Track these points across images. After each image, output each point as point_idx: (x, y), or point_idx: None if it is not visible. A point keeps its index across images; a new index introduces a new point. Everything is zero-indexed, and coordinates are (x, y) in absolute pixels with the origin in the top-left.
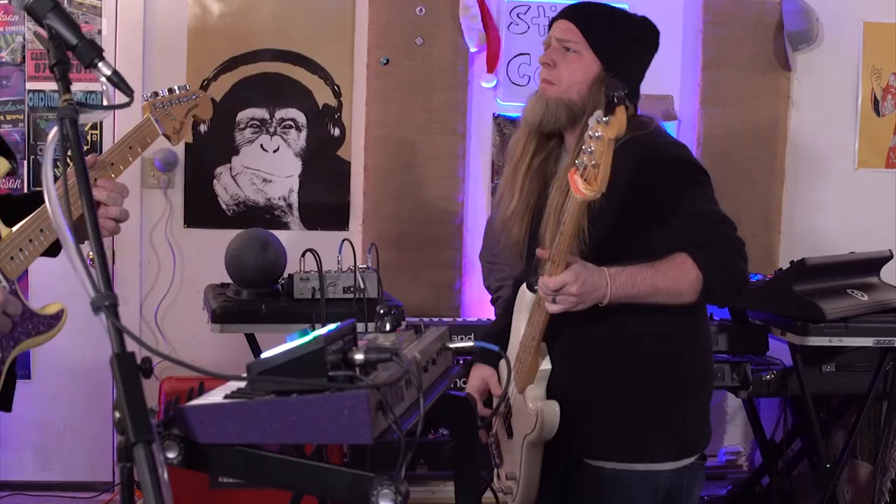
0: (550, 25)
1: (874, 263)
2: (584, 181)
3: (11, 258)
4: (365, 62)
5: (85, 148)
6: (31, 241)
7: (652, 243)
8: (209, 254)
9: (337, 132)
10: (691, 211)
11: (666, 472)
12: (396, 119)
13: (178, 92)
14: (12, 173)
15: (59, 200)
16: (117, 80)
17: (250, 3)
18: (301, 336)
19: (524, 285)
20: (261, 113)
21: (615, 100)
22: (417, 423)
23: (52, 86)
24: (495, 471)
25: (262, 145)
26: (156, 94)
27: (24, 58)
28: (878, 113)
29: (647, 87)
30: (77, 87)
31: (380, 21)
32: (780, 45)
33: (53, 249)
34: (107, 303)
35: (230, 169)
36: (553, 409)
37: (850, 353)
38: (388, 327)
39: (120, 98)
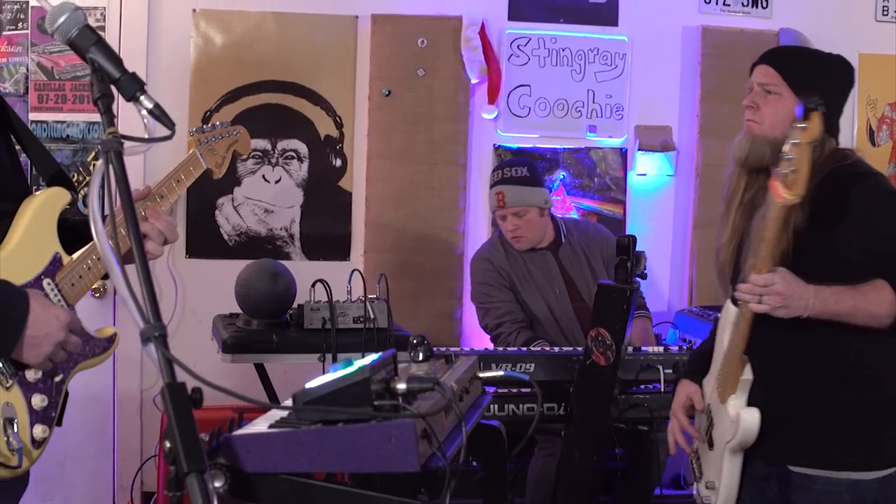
0: (751, 71)
1: None
2: (784, 187)
3: (72, 284)
4: (367, 93)
5: (87, 178)
6: (88, 267)
7: (851, 268)
8: (211, 284)
9: (339, 163)
10: (889, 239)
11: (872, 482)
12: (398, 150)
13: (220, 128)
14: (72, 204)
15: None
16: (159, 114)
17: (253, 34)
18: (345, 366)
19: (728, 301)
20: (263, 144)
21: (811, 107)
22: (460, 451)
23: (54, 116)
24: (695, 485)
25: (264, 176)
26: (201, 129)
27: (27, 89)
28: (873, 143)
29: (646, 118)
30: (79, 117)
31: (382, 53)
32: None
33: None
34: (156, 333)
35: (232, 199)
36: (753, 416)
37: None
38: (420, 357)
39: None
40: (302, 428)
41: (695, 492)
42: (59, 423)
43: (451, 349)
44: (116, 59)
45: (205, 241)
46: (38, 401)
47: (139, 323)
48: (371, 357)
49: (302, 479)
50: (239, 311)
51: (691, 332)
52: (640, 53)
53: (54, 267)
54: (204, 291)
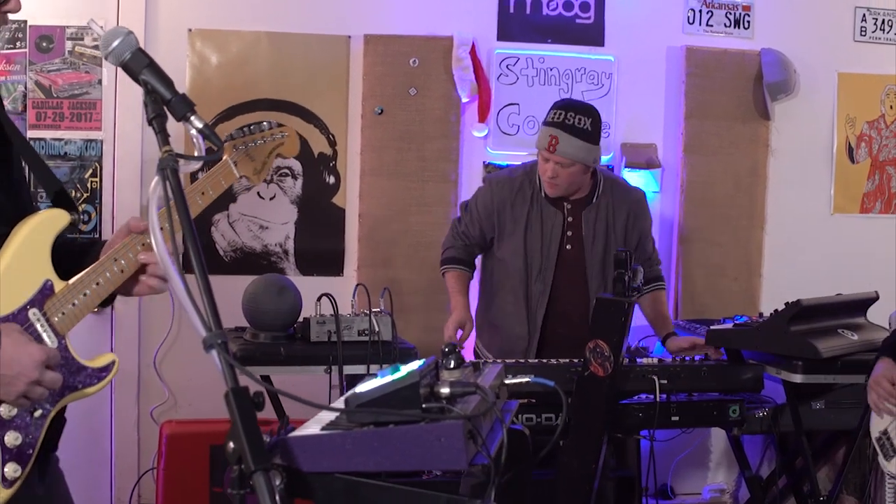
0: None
1: (862, 304)
2: None
3: (63, 313)
4: (360, 112)
5: (84, 195)
6: (85, 295)
7: None
8: None
9: (332, 180)
10: None
11: None
12: (390, 167)
13: (260, 131)
14: (73, 224)
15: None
16: (208, 133)
17: (247, 53)
18: (393, 372)
19: None
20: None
21: None
22: (501, 450)
23: (52, 133)
24: (884, 462)
25: (258, 193)
26: (240, 132)
27: (25, 106)
28: (852, 160)
29: (632, 136)
30: (76, 135)
31: (374, 72)
32: (760, 96)
33: (105, 301)
34: (219, 341)
35: (227, 216)
36: None
37: (838, 391)
38: (452, 364)
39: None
40: (355, 430)
41: (889, 468)
42: (55, 449)
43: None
44: (168, 81)
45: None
46: (12, 438)
47: (201, 331)
48: (417, 363)
49: (355, 477)
50: (242, 324)
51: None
52: (626, 73)
53: (43, 295)
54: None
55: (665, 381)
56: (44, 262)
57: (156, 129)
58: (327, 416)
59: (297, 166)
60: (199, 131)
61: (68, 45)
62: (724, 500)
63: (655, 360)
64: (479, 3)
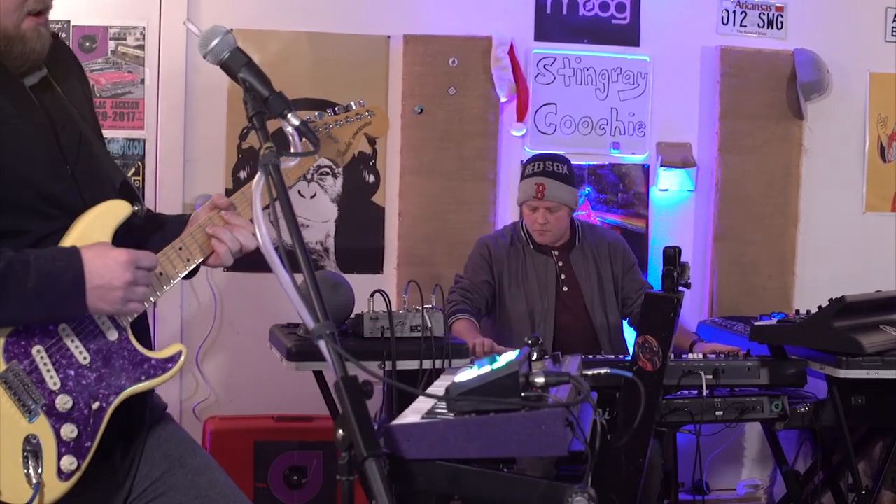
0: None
1: None
2: None
3: None
4: (399, 111)
5: None
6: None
7: None
8: (248, 296)
9: (372, 179)
10: None
11: None
12: (430, 166)
13: (349, 111)
14: (135, 215)
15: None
16: (305, 130)
17: (288, 53)
18: (490, 362)
19: None
20: (293, 159)
21: None
22: (595, 437)
23: None
24: None
25: (299, 191)
26: (325, 112)
27: None
28: (884, 159)
29: (667, 135)
30: (119, 134)
31: (414, 72)
32: (793, 96)
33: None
34: (327, 331)
35: (268, 214)
36: None
37: (878, 385)
38: (535, 356)
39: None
40: (457, 417)
41: None
42: (145, 425)
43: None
44: (265, 79)
45: (243, 254)
46: (68, 431)
47: (309, 323)
48: (513, 353)
49: (456, 464)
50: (294, 321)
51: (713, 341)
52: (662, 73)
53: None
54: (241, 303)
55: (711, 377)
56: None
57: (256, 125)
58: (425, 406)
59: None
60: (296, 128)
61: (111, 45)
62: (758, 496)
63: (700, 356)
64: (517, 4)
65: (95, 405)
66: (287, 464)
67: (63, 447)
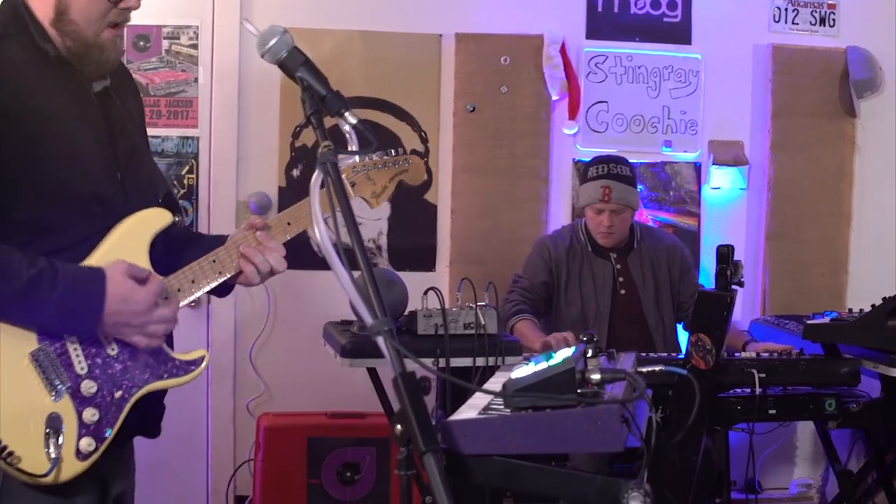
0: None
1: None
2: None
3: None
4: (451, 109)
5: (181, 192)
6: (178, 290)
7: None
8: (302, 293)
9: (424, 177)
10: None
11: None
12: (482, 164)
13: (388, 157)
14: (175, 226)
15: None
16: (362, 129)
17: (341, 52)
18: (546, 359)
19: None
20: (350, 157)
21: None
22: (651, 433)
23: (150, 131)
24: None
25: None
26: (367, 155)
27: None
28: None
29: (719, 133)
30: (173, 132)
31: (466, 70)
32: (846, 93)
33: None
34: (385, 328)
35: (321, 212)
36: None
37: None
38: (590, 353)
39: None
40: (513, 413)
41: None
42: (156, 435)
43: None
44: (322, 78)
45: (296, 252)
46: (90, 415)
47: (368, 319)
48: (568, 350)
49: (513, 459)
50: (348, 318)
51: (766, 340)
52: (713, 71)
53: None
54: (295, 301)
55: (764, 375)
56: (141, 255)
57: (314, 124)
58: (481, 402)
59: None
60: (353, 127)
61: (165, 44)
62: (810, 495)
63: (753, 354)
64: (569, 2)
65: (118, 394)
66: (340, 460)
67: (83, 429)
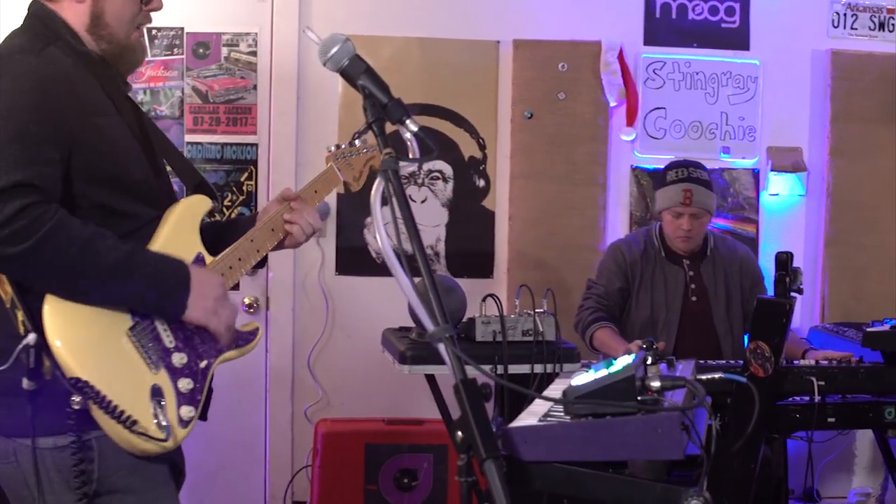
0: None
1: None
2: None
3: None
4: (509, 116)
5: (240, 198)
6: (230, 267)
7: None
8: (360, 300)
9: (482, 183)
10: None
11: None
12: (539, 171)
13: (356, 145)
14: (214, 212)
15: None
16: (422, 136)
17: (400, 59)
18: (606, 366)
19: None
20: (411, 164)
21: None
22: (710, 440)
23: (209, 138)
24: None
25: (410, 196)
26: (338, 146)
27: (182, 111)
28: None
29: (777, 140)
30: (232, 139)
31: (523, 77)
32: None
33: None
34: (446, 335)
35: (382, 218)
36: None
37: None
38: (649, 361)
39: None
40: (574, 420)
41: None
42: (205, 418)
43: (593, 363)
44: (384, 86)
45: (354, 258)
46: (185, 384)
47: (429, 326)
48: (628, 358)
49: (573, 466)
50: (407, 324)
51: (825, 347)
52: (771, 77)
53: (199, 263)
54: (352, 307)
55: (823, 383)
56: (194, 238)
57: (376, 131)
58: (541, 409)
59: (447, 170)
60: (414, 134)
61: (224, 51)
62: None
63: (812, 362)
64: (626, 9)
65: (203, 363)
66: (398, 466)
67: (181, 398)
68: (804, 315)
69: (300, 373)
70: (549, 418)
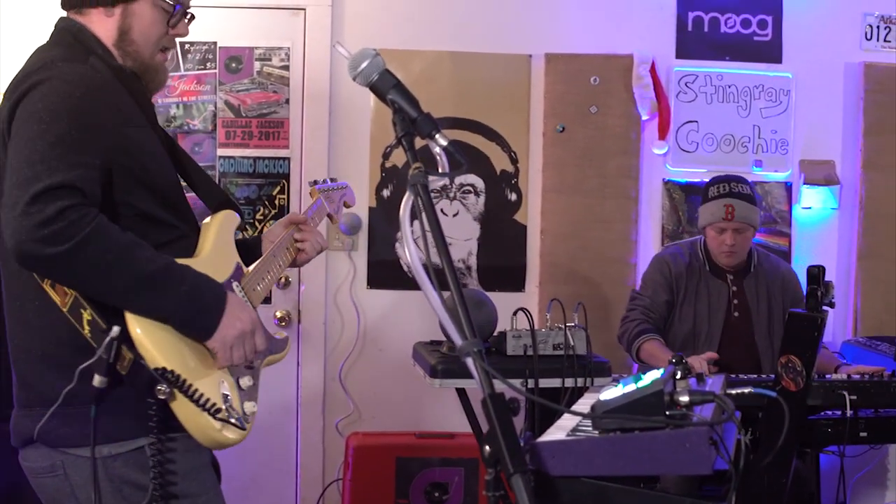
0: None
1: None
2: None
3: (253, 290)
4: (541, 130)
5: (272, 212)
6: (263, 279)
7: None
8: (391, 314)
9: (514, 197)
10: None
11: None
12: (571, 184)
13: (330, 184)
14: (240, 227)
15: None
16: (452, 151)
17: (432, 73)
18: (635, 381)
19: None
20: (441, 179)
21: None
22: (739, 456)
23: (241, 152)
24: None
25: (442, 210)
26: (316, 182)
27: (215, 126)
28: None
29: (810, 153)
30: (264, 153)
31: (555, 90)
32: None
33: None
34: (475, 349)
35: (411, 232)
36: None
37: None
38: (679, 375)
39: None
40: (602, 435)
41: None
42: None
43: (623, 377)
44: (413, 100)
45: (385, 272)
46: (245, 381)
47: (457, 340)
48: (657, 372)
49: (602, 481)
50: (437, 338)
51: (858, 361)
52: (804, 89)
53: (238, 274)
54: (384, 321)
55: (855, 397)
56: (233, 250)
57: (405, 146)
58: (570, 423)
59: (479, 184)
60: (444, 149)
61: (256, 65)
62: None
63: (844, 376)
64: (658, 22)
65: (256, 362)
66: (428, 480)
67: (244, 394)
68: (837, 329)
69: (331, 386)
70: (577, 433)
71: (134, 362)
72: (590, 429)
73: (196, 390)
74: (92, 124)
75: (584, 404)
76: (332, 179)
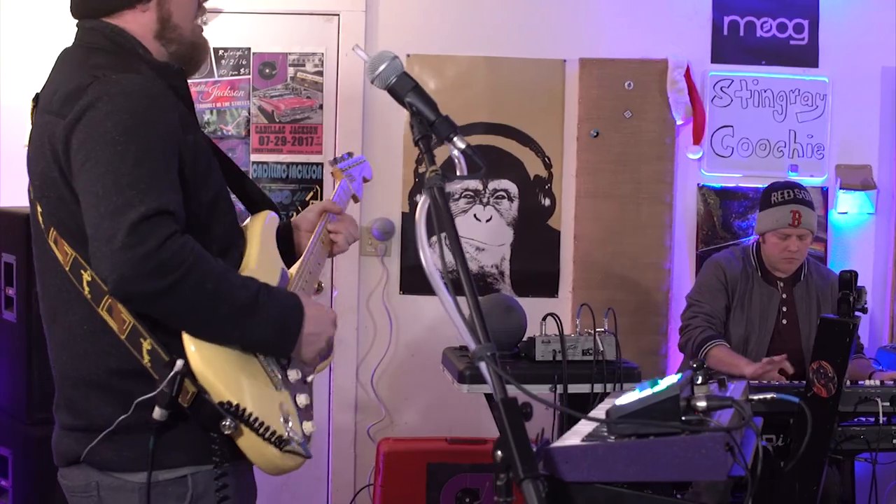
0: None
1: None
2: None
3: (302, 289)
4: (575, 135)
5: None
6: (307, 281)
7: None
8: (424, 319)
9: (547, 202)
10: None
11: None
12: (605, 189)
13: (349, 160)
14: (280, 227)
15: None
16: (470, 153)
17: (465, 78)
18: (652, 385)
19: None
20: (474, 184)
21: None
22: (757, 462)
23: (275, 157)
24: None
25: (475, 215)
26: (336, 160)
27: (248, 131)
28: None
29: (846, 157)
30: (298, 158)
31: (590, 95)
32: None
33: None
34: (488, 353)
35: (444, 238)
36: None
37: None
38: (700, 380)
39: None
40: (617, 440)
41: None
42: None
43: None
44: (432, 104)
45: (418, 278)
46: (303, 399)
47: (471, 344)
48: (674, 377)
49: (616, 487)
50: (461, 344)
51: (893, 368)
52: (840, 94)
53: (284, 280)
54: (416, 326)
55: (888, 404)
56: (277, 254)
57: (422, 149)
58: (587, 428)
59: (513, 189)
60: (462, 152)
61: (290, 71)
62: None
63: (878, 383)
64: (693, 27)
65: (309, 378)
66: (459, 486)
67: (301, 413)
68: (872, 335)
69: (363, 391)
70: (592, 438)
71: (197, 396)
72: (606, 434)
73: (262, 423)
74: (163, 137)
75: (601, 410)
76: (349, 154)
